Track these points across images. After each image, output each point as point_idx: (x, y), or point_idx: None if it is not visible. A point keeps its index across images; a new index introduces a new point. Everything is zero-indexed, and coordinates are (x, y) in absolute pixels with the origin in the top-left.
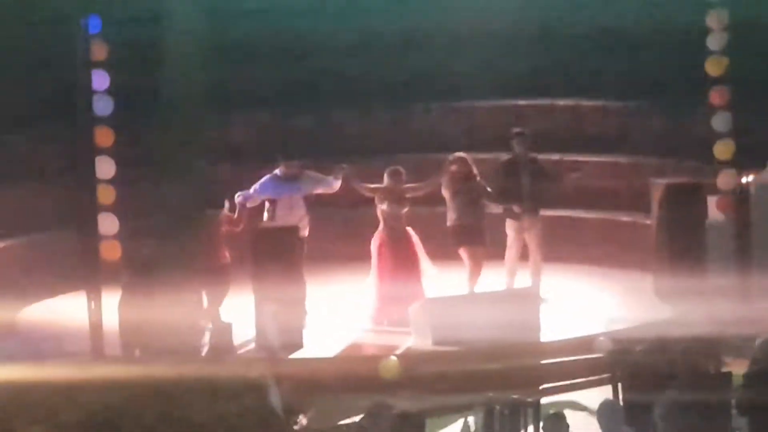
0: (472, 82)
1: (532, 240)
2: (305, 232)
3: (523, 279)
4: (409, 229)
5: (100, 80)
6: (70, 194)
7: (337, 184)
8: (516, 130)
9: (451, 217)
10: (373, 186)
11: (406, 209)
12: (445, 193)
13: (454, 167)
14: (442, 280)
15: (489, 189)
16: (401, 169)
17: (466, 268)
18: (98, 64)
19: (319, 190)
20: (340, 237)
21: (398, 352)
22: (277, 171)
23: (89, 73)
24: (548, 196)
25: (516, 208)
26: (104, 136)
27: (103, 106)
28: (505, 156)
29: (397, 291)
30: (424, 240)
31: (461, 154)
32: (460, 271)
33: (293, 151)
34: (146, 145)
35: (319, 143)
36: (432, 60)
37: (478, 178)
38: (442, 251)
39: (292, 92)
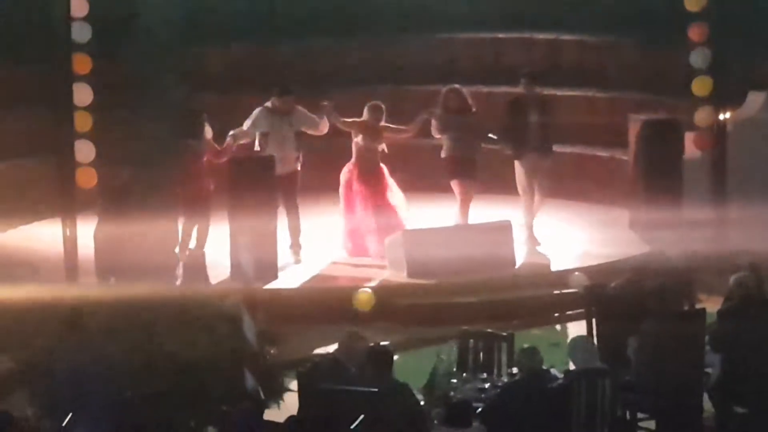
0: (451, 15)
1: (541, 178)
2: (297, 167)
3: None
4: (383, 165)
5: (79, 7)
6: (47, 121)
7: (325, 127)
8: (525, 69)
9: (444, 149)
10: (350, 120)
11: (382, 145)
12: (438, 124)
13: (446, 100)
14: (424, 214)
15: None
16: (382, 106)
17: (456, 201)
18: None
19: (310, 130)
20: (335, 169)
21: (373, 284)
22: (268, 104)
23: (68, 0)
24: (559, 133)
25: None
26: (82, 63)
27: (81, 32)
28: (511, 94)
29: (368, 225)
30: (413, 172)
31: (456, 86)
32: (446, 205)
33: (289, 86)
34: (124, 73)
35: (296, 74)
36: None
37: (474, 110)
38: (429, 183)
39: (270, 23)
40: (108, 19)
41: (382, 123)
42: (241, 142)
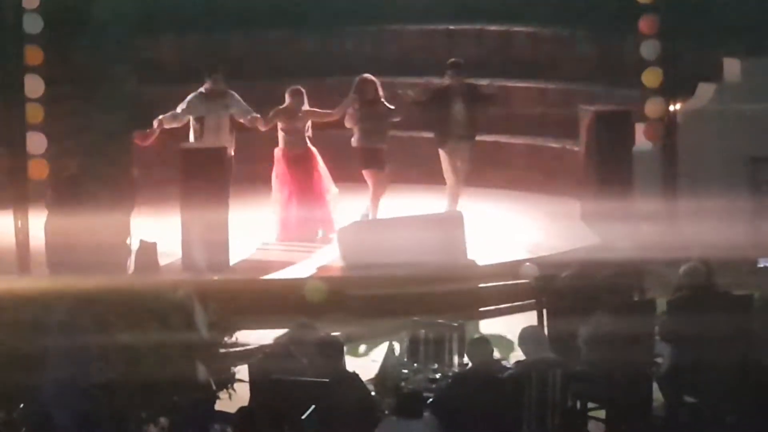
0: (403, 6)
1: (461, 165)
2: (231, 152)
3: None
4: (313, 148)
5: None
6: None
7: (252, 120)
8: (451, 60)
9: (355, 140)
10: (273, 112)
11: (307, 126)
12: (350, 114)
13: (359, 89)
14: (349, 201)
15: (393, 109)
16: (302, 90)
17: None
18: None
19: (242, 118)
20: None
21: (324, 275)
22: (202, 89)
23: None
24: (483, 121)
25: (445, 135)
26: (33, 55)
27: (32, 24)
28: (437, 83)
29: (295, 209)
30: (336, 161)
31: (368, 75)
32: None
33: (218, 65)
34: (75, 64)
35: (249, 65)
36: None
37: (383, 101)
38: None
39: (222, 14)
40: (59, 11)
41: (305, 107)
42: (171, 126)
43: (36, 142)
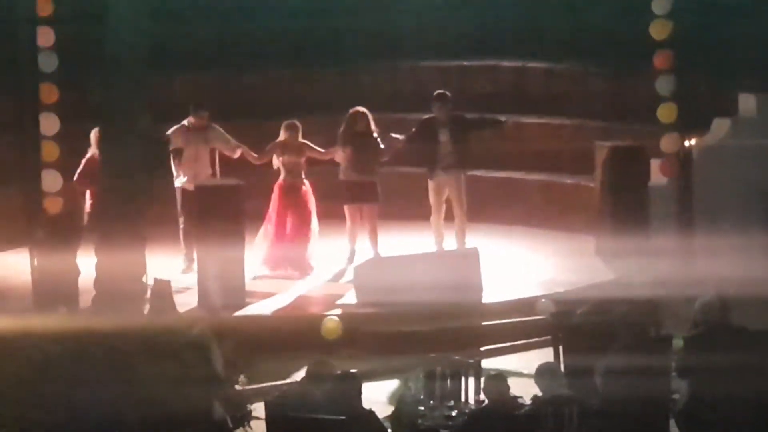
0: (417, 42)
1: (453, 198)
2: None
3: (449, 240)
4: (307, 184)
5: (45, 36)
6: (13, 151)
7: (238, 152)
8: (437, 92)
9: (343, 172)
10: (269, 146)
11: (302, 159)
12: (340, 146)
13: (351, 121)
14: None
15: (382, 146)
16: (297, 123)
17: (347, 226)
18: (43, 20)
19: (224, 150)
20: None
21: (340, 312)
22: (185, 122)
23: (34, 30)
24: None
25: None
26: (49, 93)
27: (47, 62)
28: (425, 116)
29: (283, 241)
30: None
31: (360, 108)
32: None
33: (204, 104)
34: (91, 102)
35: (263, 102)
36: (377, 19)
37: (375, 135)
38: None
39: (236, 52)
40: (74, 49)
41: (300, 140)
42: None
43: (51, 180)
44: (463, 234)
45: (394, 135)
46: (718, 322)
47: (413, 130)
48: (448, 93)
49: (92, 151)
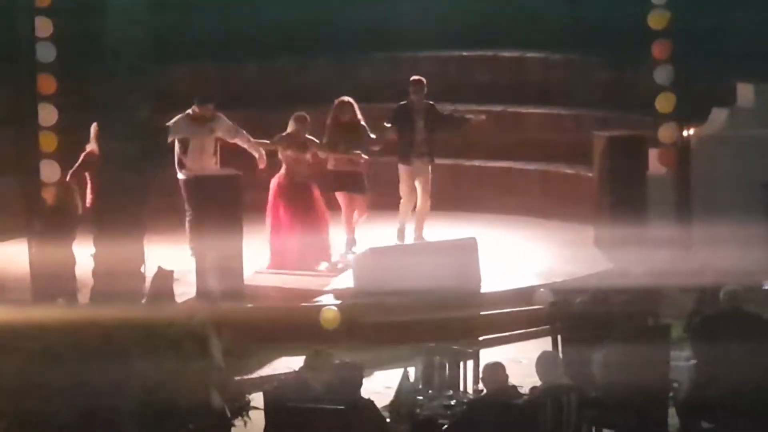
0: (416, 33)
1: (421, 187)
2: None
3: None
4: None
5: (44, 27)
6: (12, 142)
7: (245, 142)
8: (413, 77)
9: (331, 162)
10: (276, 138)
11: (307, 155)
12: (328, 136)
13: (337, 111)
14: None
15: (372, 135)
16: (306, 116)
17: (342, 214)
18: (41, 11)
19: (230, 138)
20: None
21: (339, 301)
22: (189, 111)
23: (32, 20)
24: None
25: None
26: (47, 84)
27: (45, 53)
28: (401, 102)
29: (290, 237)
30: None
31: (346, 98)
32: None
33: (209, 95)
34: (89, 93)
35: (263, 93)
36: (376, 9)
37: (362, 123)
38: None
39: (236, 42)
40: (73, 39)
41: (307, 136)
42: None
43: (49, 171)
44: (424, 223)
45: (387, 124)
46: (719, 311)
47: (392, 116)
48: (424, 79)
49: (91, 146)
